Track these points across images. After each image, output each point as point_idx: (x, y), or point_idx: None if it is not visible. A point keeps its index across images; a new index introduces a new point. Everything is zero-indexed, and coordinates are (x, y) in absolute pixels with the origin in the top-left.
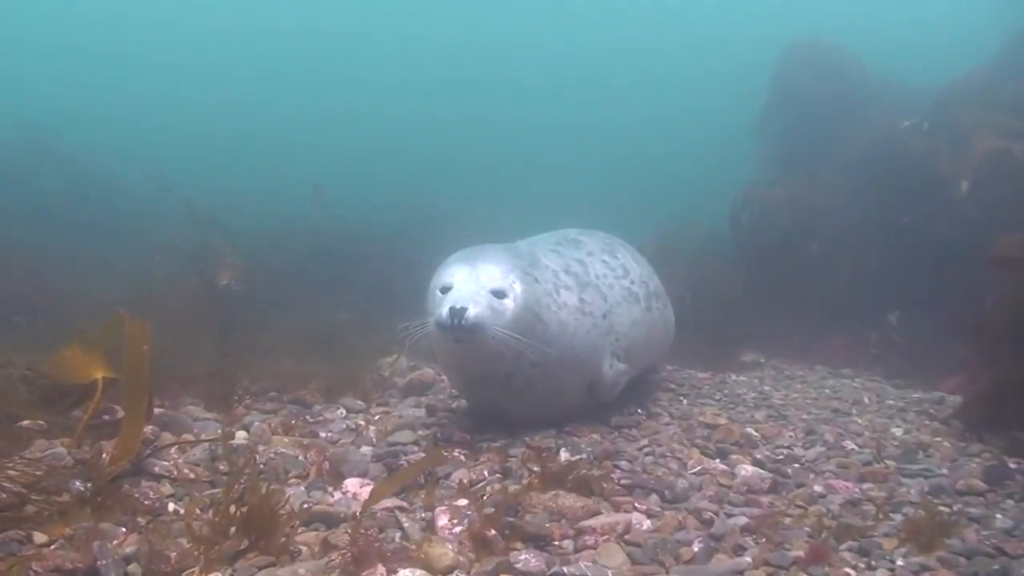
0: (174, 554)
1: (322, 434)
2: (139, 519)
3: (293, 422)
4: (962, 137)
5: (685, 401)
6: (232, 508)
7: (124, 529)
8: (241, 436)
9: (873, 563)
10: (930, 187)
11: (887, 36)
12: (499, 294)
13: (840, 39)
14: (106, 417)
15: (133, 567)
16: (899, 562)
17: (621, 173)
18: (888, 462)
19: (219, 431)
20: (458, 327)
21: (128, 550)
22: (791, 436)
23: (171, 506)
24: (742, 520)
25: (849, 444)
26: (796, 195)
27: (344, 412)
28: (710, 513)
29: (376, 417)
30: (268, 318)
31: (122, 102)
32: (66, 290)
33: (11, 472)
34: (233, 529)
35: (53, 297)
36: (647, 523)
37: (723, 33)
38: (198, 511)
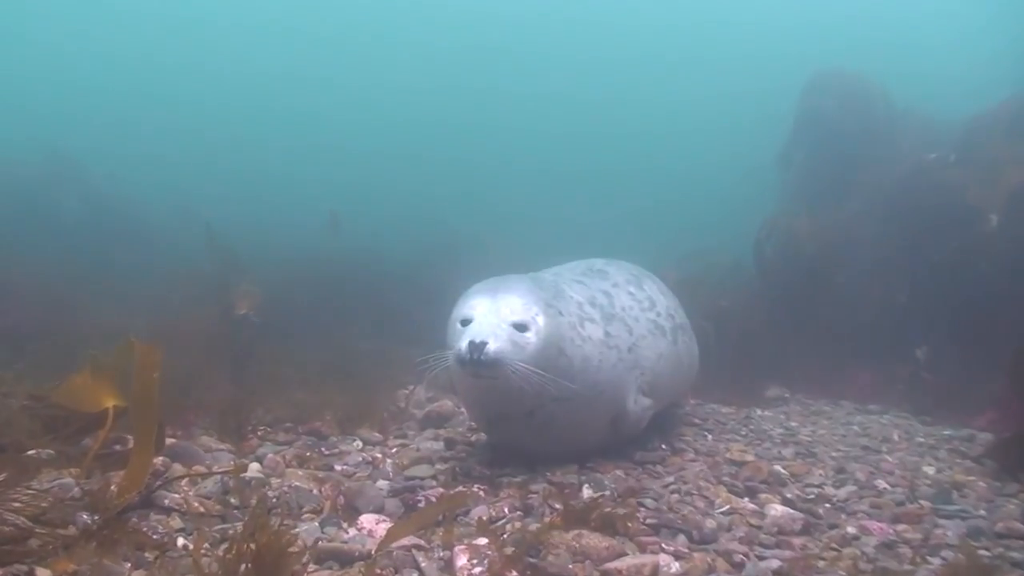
0: None
1: (337, 467)
2: (146, 554)
3: (308, 454)
4: (992, 169)
5: (710, 437)
6: (246, 545)
7: (129, 565)
8: (254, 468)
9: None
10: (959, 220)
11: (912, 67)
12: (521, 327)
13: (864, 69)
14: (117, 447)
15: None
16: None
17: (645, 204)
18: (922, 502)
19: (232, 463)
20: (478, 362)
21: None
22: (821, 474)
23: (180, 541)
24: (774, 563)
25: (881, 483)
26: (821, 226)
27: (360, 444)
28: (740, 555)
29: (393, 450)
30: (284, 347)
31: (143, 134)
32: (81, 316)
33: (15, 504)
34: (244, 567)
35: (68, 323)
36: (675, 566)
37: (748, 62)
38: (207, 546)
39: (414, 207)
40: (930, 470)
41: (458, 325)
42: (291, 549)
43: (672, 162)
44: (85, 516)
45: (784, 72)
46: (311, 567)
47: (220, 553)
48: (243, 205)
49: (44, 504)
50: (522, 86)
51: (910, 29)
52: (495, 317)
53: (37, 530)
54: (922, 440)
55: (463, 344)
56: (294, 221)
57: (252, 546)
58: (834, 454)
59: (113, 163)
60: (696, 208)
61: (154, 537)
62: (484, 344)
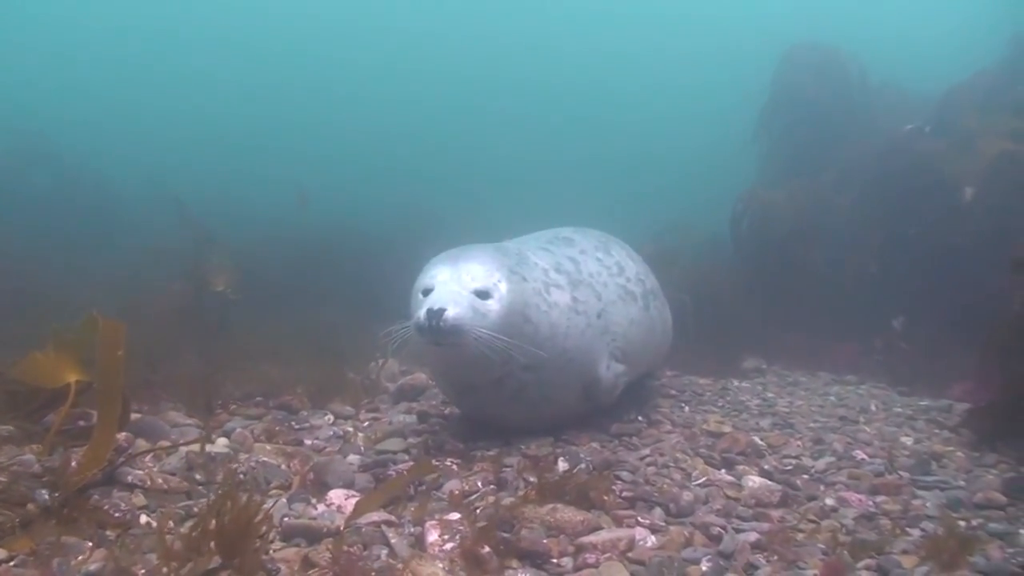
0: (142, 572)
1: (307, 441)
2: (107, 532)
3: (277, 428)
4: (967, 141)
5: (687, 408)
6: (211, 521)
7: (91, 543)
8: (221, 443)
9: None
10: (934, 191)
11: (886, 40)
12: (483, 294)
13: (840, 43)
14: (81, 423)
15: None
16: None
17: (620, 176)
18: (901, 473)
19: (196, 437)
20: (436, 328)
21: (93, 567)
22: (799, 445)
23: (143, 518)
24: (752, 536)
25: (859, 454)
26: (797, 199)
27: (332, 418)
28: (718, 528)
29: (365, 424)
30: (255, 321)
31: (111, 106)
32: (49, 292)
33: None
34: (209, 544)
35: (34, 298)
36: (651, 539)
37: (724, 37)
38: (171, 524)
39: (391, 186)
40: (908, 441)
41: (420, 295)
42: (257, 520)
43: (649, 137)
44: (45, 493)
45: (760, 46)
46: (277, 544)
47: (185, 530)
48: (215, 180)
49: (1, 479)
50: (498, 67)
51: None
52: (456, 285)
53: None
54: (900, 410)
55: (422, 312)
56: (267, 196)
57: (217, 522)
58: (812, 425)
59: (79, 135)
60: (672, 183)
61: (116, 515)
62: (443, 311)
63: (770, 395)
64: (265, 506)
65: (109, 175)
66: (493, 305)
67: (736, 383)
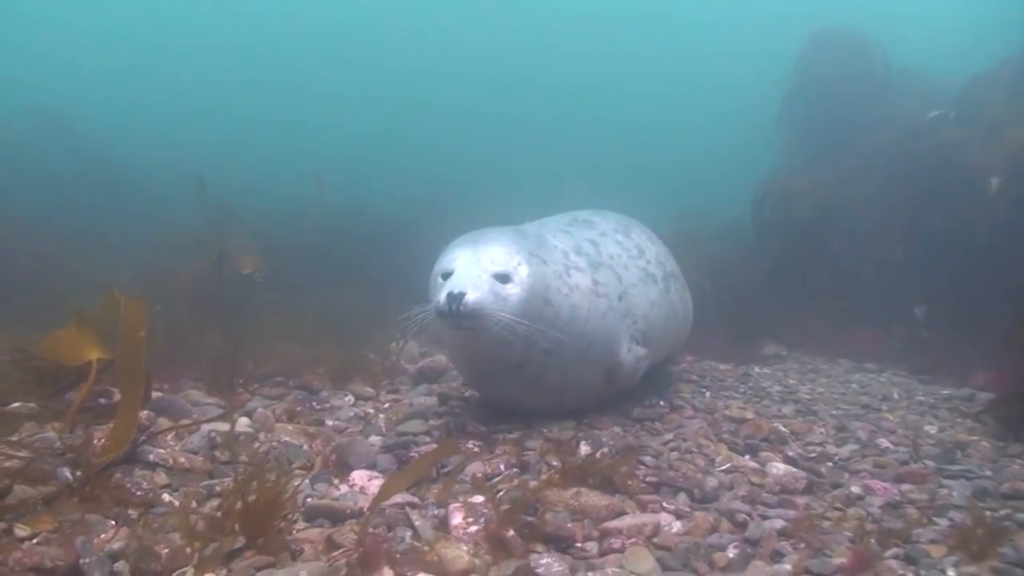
0: (165, 551)
1: (329, 422)
2: (130, 511)
3: (298, 409)
4: (993, 130)
5: (708, 394)
6: (236, 501)
7: (113, 523)
8: (243, 423)
9: (923, 572)
10: (958, 179)
11: (908, 26)
12: (503, 278)
13: (863, 29)
14: (102, 400)
15: (120, 565)
16: (950, 572)
17: (642, 163)
18: (926, 462)
19: (219, 415)
20: (457, 313)
21: (116, 546)
22: (822, 432)
23: (166, 497)
24: (778, 523)
25: (883, 442)
26: (819, 186)
27: (352, 399)
28: (743, 515)
29: (386, 405)
30: (275, 301)
31: (132, 85)
32: (70, 269)
33: None
34: (234, 525)
35: (56, 276)
36: (677, 525)
37: (747, 21)
38: (194, 504)
39: (411, 165)
40: (932, 429)
41: (439, 279)
42: (283, 499)
43: (670, 123)
44: (67, 471)
45: (783, 31)
46: (300, 524)
47: (207, 510)
48: (235, 158)
49: (20, 454)
50: (525, 43)
51: None
52: (476, 268)
53: (18, 484)
54: (922, 399)
55: (442, 296)
56: (286, 178)
57: (243, 502)
58: (834, 412)
59: (101, 113)
60: (693, 167)
61: (138, 494)
62: (463, 295)
63: (791, 382)
64: (293, 484)
65: (130, 155)
66: (513, 289)
67: (757, 369)
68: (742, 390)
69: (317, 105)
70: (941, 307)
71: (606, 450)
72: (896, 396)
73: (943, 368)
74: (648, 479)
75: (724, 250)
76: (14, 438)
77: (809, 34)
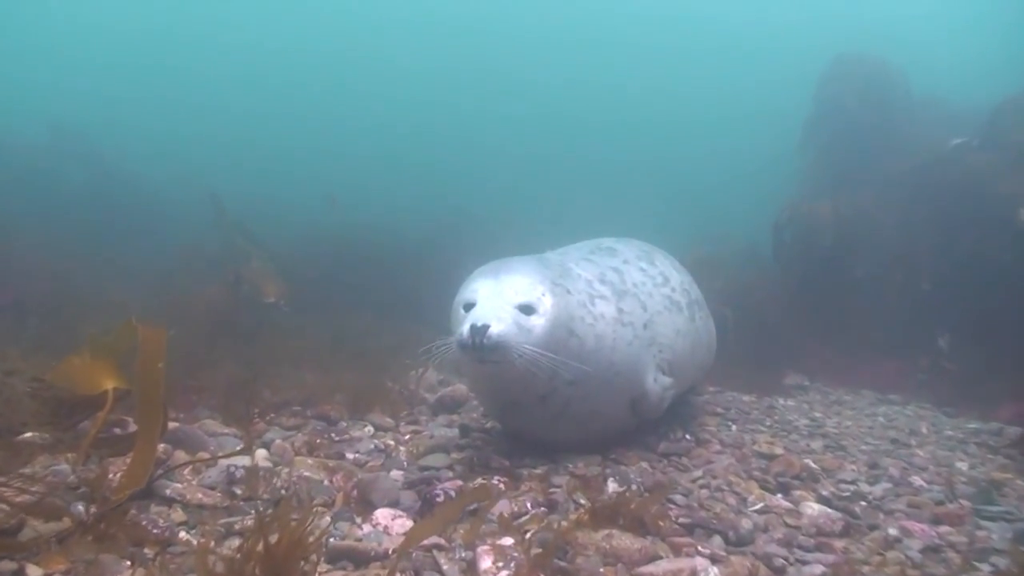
0: None
1: (349, 455)
2: (146, 550)
3: (318, 441)
4: (1020, 157)
5: (734, 427)
6: (258, 542)
7: (129, 563)
8: (261, 455)
9: None
10: (985, 207)
11: (930, 52)
12: (527, 309)
13: (884, 54)
14: (116, 430)
15: None
16: None
17: (662, 188)
18: (962, 502)
19: (238, 449)
20: (481, 347)
21: None
22: (854, 470)
23: (183, 535)
24: (817, 569)
25: (916, 480)
26: (841, 212)
27: (372, 430)
28: (781, 560)
29: (406, 436)
30: (291, 326)
31: (148, 108)
32: (86, 291)
33: (5, 492)
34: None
35: (72, 298)
36: (713, 570)
37: (768, 47)
38: (212, 543)
39: (427, 187)
40: (963, 466)
41: (461, 310)
42: (309, 542)
43: (690, 150)
44: (80, 506)
45: (804, 59)
46: (323, 566)
47: (226, 551)
48: (251, 181)
49: (33, 489)
50: (543, 73)
51: (917, 17)
52: (499, 299)
53: (30, 521)
54: (950, 433)
55: (465, 328)
56: (303, 198)
57: (264, 543)
58: (863, 447)
59: (119, 137)
60: (713, 195)
61: (154, 531)
62: (486, 327)
63: (817, 415)
64: (318, 525)
65: (146, 176)
66: (538, 320)
67: (781, 401)
68: (768, 423)
69: (334, 129)
70: (965, 337)
71: (634, 487)
72: (924, 431)
73: (967, 400)
74: (680, 520)
75: (743, 276)
76: (27, 470)
77: (831, 59)
